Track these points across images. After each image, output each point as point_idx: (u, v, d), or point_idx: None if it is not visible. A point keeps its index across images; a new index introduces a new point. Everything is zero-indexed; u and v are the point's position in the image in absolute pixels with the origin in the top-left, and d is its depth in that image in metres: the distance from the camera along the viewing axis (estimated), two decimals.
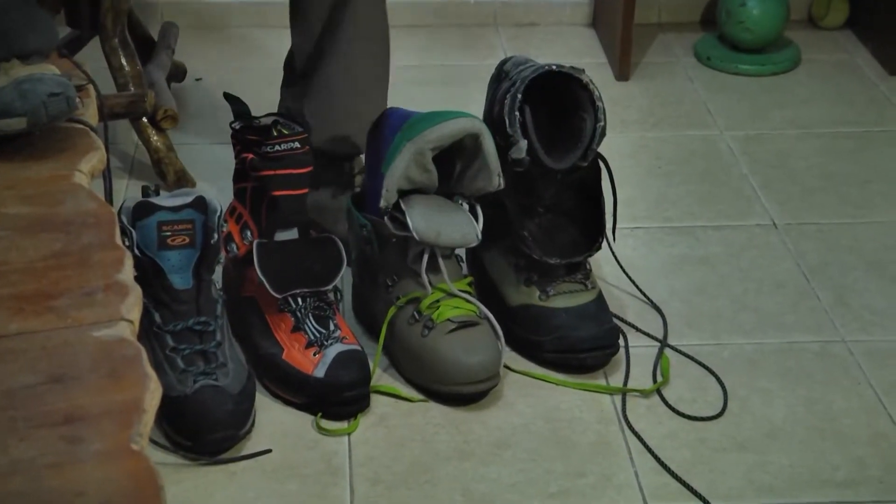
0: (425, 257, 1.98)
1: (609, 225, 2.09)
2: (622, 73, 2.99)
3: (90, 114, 1.68)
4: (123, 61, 2.44)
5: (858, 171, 2.66)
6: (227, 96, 2.06)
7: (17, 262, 1.41)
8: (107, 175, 1.66)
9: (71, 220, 1.49)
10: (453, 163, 1.99)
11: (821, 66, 3.09)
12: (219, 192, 2.14)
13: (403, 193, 1.95)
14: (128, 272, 1.40)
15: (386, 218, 1.96)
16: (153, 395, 1.19)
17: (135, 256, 1.55)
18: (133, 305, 1.35)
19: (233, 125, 2.04)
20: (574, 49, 3.13)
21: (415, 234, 1.93)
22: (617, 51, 3.00)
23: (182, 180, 2.46)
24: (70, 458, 1.05)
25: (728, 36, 3.08)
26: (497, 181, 1.97)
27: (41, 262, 1.42)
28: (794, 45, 3.12)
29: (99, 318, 1.32)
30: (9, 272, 1.39)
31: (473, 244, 2.01)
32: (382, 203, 1.94)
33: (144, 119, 2.46)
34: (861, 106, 2.92)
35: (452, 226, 1.97)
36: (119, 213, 1.80)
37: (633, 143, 2.51)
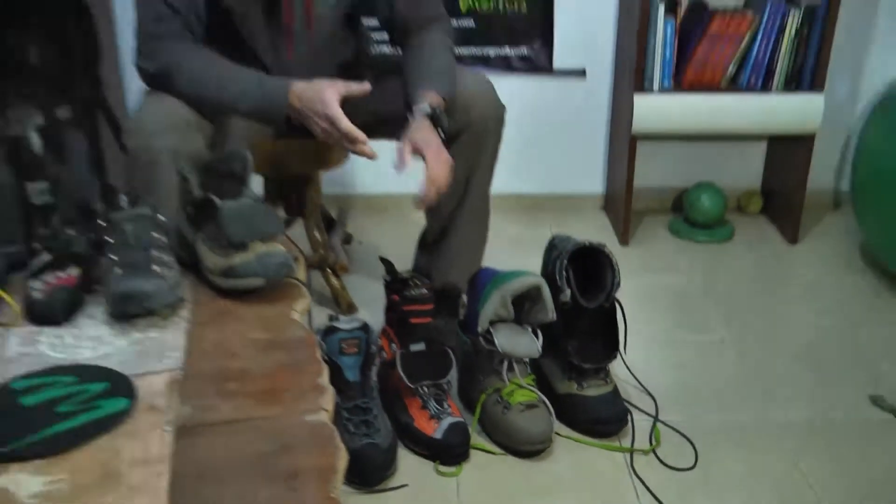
0: (505, 363, 1.99)
1: (622, 342, 2.07)
2: (623, 241, 2.98)
3: (300, 273, 1.69)
4: (316, 234, 2.47)
5: (774, 304, 2.63)
6: (382, 259, 2.07)
7: (259, 370, 1.42)
8: (310, 312, 1.67)
9: (290, 343, 1.50)
10: (523, 303, 1.99)
11: (747, 238, 3.06)
12: (375, 318, 2.14)
13: (491, 322, 1.96)
14: (325, 378, 1.40)
15: (481, 338, 1.96)
16: (342, 461, 1.21)
17: (324, 360, 1.55)
18: (329, 400, 1.35)
19: (385, 277, 2.05)
20: (593, 224, 3.12)
21: (499, 349, 1.94)
22: (620, 227, 2.99)
23: (351, 309, 2.47)
24: (294, 501, 1.09)
25: (689, 218, 3.07)
26: (551, 315, 1.97)
27: (273, 370, 1.42)
28: (730, 224, 3.09)
29: (309, 408, 1.32)
30: (254, 376, 1.40)
31: (536, 356, 2.01)
32: (479, 329, 1.95)
33: (328, 269, 2.48)
34: (772, 263, 2.90)
35: (523, 344, 1.97)
36: (316, 334, 1.81)
37: (633, 287, 2.48)
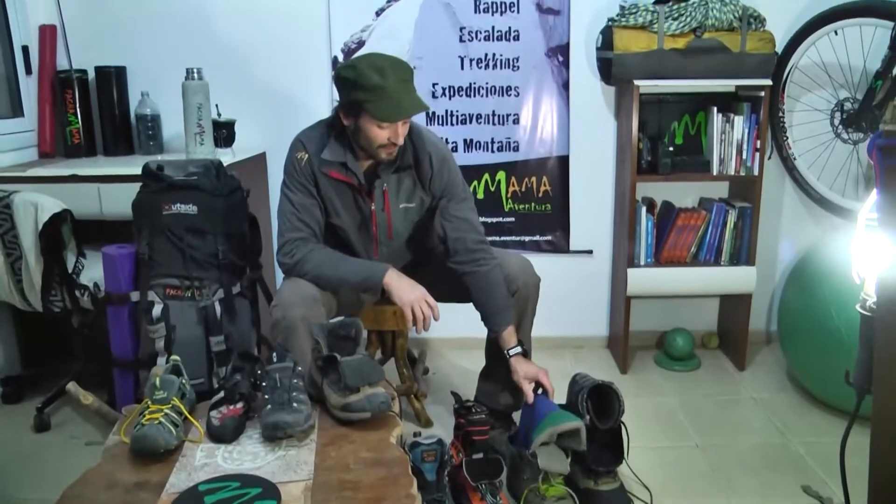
0: (543, 474, 1.88)
1: (626, 450, 1.97)
2: (623, 370, 2.87)
3: (395, 408, 1.64)
4: (404, 369, 2.41)
5: (731, 417, 2.50)
6: (452, 392, 2.03)
7: (367, 481, 1.36)
8: (402, 438, 1.62)
9: (388, 461, 1.44)
10: (563, 435, 1.89)
11: (709, 367, 2.93)
12: (445, 429, 2.08)
13: (538, 445, 1.87)
14: (415, 489, 1.34)
15: (530, 455, 1.87)
16: None
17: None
18: None
19: (454, 405, 1.99)
20: (600, 359, 3.01)
21: (540, 466, 1.84)
22: (621, 360, 2.89)
23: (428, 424, 2.38)
24: None
25: (668, 352, 2.96)
26: (583, 447, 1.88)
27: (377, 482, 1.36)
28: (697, 357, 2.97)
29: None
30: (363, 486, 1.35)
31: (566, 473, 1.91)
32: (531, 450, 1.86)
33: (412, 395, 2.41)
34: (726, 384, 2.77)
35: (559, 461, 1.87)
36: (405, 451, 1.75)
37: (632, 406, 2.31)
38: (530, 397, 1.98)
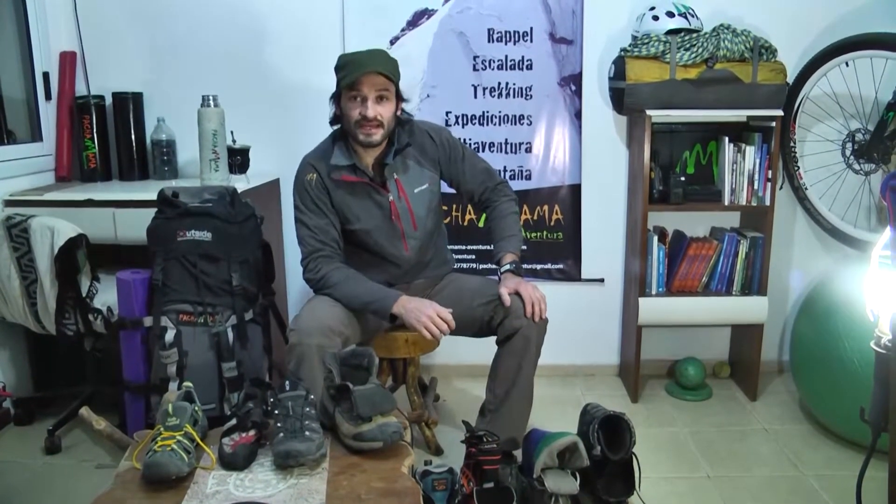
0: (553, 498, 1.86)
1: (637, 481, 1.95)
2: (634, 399, 2.85)
3: (407, 437, 1.64)
4: (415, 397, 2.41)
5: (744, 448, 2.47)
6: (464, 422, 2.02)
7: None
8: (413, 467, 1.61)
9: (400, 491, 1.44)
10: (565, 454, 1.89)
11: (720, 397, 2.92)
12: (455, 456, 2.07)
13: (542, 469, 1.86)
14: None
15: (535, 481, 1.86)
16: None
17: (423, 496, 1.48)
18: None
19: (465, 434, 1.98)
20: (611, 387, 3.00)
21: (548, 489, 1.83)
22: (632, 389, 2.87)
23: (439, 451, 2.38)
24: None
25: (680, 382, 2.94)
26: (586, 463, 1.87)
27: None
28: (709, 387, 2.95)
29: None
30: None
31: (575, 493, 1.88)
32: (535, 475, 1.85)
33: (423, 422, 2.41)
34: (738, 415, 2.74)
35: (566, 485, 1.86)
36: (416, 479, 1.75)
37: (643, 436, 2.33)
38: (506, 300, 2.04)
